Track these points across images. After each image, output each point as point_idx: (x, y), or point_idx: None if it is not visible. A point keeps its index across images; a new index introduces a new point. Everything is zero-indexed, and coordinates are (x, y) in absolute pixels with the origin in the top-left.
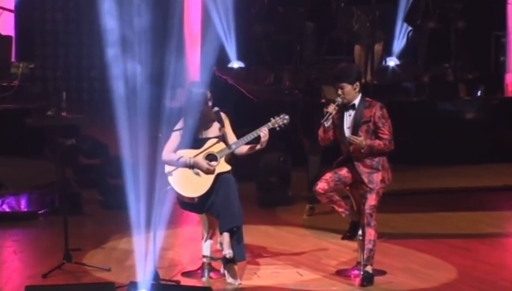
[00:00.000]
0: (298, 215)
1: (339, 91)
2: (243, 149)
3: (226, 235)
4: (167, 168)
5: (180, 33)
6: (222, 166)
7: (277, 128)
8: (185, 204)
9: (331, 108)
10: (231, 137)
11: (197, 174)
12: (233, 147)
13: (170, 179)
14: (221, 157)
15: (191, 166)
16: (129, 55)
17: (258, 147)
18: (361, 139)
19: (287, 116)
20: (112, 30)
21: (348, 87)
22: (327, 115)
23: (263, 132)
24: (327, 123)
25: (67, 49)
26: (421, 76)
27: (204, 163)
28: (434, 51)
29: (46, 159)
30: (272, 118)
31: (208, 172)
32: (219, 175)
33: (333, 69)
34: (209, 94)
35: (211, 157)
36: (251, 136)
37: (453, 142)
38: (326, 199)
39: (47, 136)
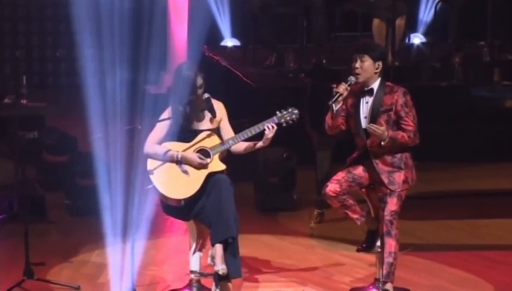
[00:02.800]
0: (304, 222)
1: (357, 64)
2: (241, 146)
3: (218, 247)
4: (150, 164)
5: (163, 5)
6: (215, 165)
7: (284, 124)
8: (170, 208)
9: (342, 88)
10: (227, 131)
11: (185, 172)
12: (230, 142)
13: (152, 177)
14: (214, 154)
15: (179, 161)
16: (102, 31)
17: (260, 144)
18: (383, 129)
19: (296, 111)
20: (81, 1)
21: (369, 61)
22: (336, 96)
23: (269, 127)
24: (336, 106)
25: (27, 25)
26: (451, 57)
27: (195, 157)
28: (467, 27)
29: (3, 156)
30: (278, 112)
31: (200, 167)
32: (211, 175)
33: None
34: (200, 80)
35: (202, 153)
36: (252, 131)
37: (489, 135)
38: (338, 203)
39: (4, 128)
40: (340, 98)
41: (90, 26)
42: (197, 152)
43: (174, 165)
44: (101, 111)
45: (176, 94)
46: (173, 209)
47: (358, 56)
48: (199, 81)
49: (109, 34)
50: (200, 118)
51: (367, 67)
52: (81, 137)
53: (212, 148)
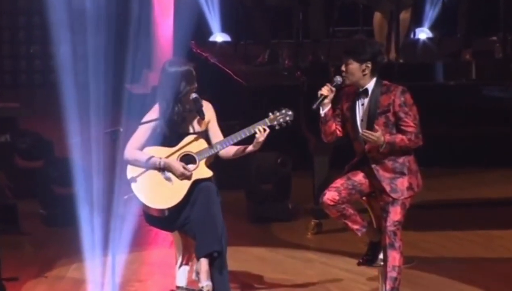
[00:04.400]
0: (300, 234)
1: (343, 67)
2: (230, 150)
3: (203, 262)
4: (131, 171)
5: None
6: (202, 171)
7: (277, 127)
8: (152, 218)
9: (326, 90)
10: (216, 134)
11: (168, 179)
12: (218, 147)
13: (132, 185)
14: (201, 159)
15: (162, 169)
16: (80, 25)
17: (250, 148)
18: (378, 135)
19: (290, 112)
20: None
21: (353, 64)
22: (320, 99)
23: (260, 130)
24: (323, 110)
25: None
26: (460, 53)
27: (178, 166)
28: (478, 20)
29: None
30: (271, 114)
31: (183, 177)
32: (197, 183)
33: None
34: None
35: (188, 159)
36: (242, 134)
37: (502, 139)
38: (337, 212)
39: None
40: (326, 100)
41: (66, 20)
42: (183, 157)
43: (156, 171)
44: (79, 113)
45: (162, 94)
46: (156, 219)
47: (343, 59)
48: (192, 75)
49: (87, 28)
50: (187, 121)
51: (352, 71)
52: (57, 141)
53: (199, 153)
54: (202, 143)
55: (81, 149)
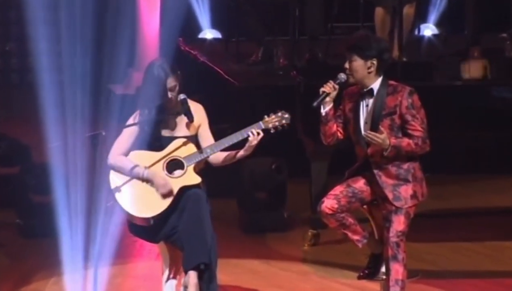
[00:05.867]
0: (296, 245)
1: (346, 64)
2: (220, 155)
3: (192, 275)
4: (114, 177)
5: None
6: (190, 177)
7: (272, 131)
8: (137, 228)
9: (328, 87)
10: (207, 138)
11: (153, 184)
12: (208, 151)
13: (116, 192)
14: (189, 165)
15: (145, 180)
16: (60, 21)
17: (241, 153)
18: (383, 137)
19: (287, 115)
20: None
21: (358, 62)
22: (321, 96)
23: (254, 134)
24: (324, 108)
25: None
26: (468, 51)
27: (160, 180)
28: (486, 16)
29: None
30: (266, 116)
31: (164, 193)
32: (185, 190)
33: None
34: (173, 82)
35: (175, 164)
36: (234, 138)
37: None
38: (336, 222)
39: None
40: (328, 98)
41: (45, 15)
42: (169, 162)
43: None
44: (58, 115)
45: (145, 96)
46: (140, 229)
47: (347, 55)
48: (171, 82)
49: (68, 24)
50: (174, 124)
51: (356, 68)
52: (35, 145)
53: (187, 158)
54: (191, 148)
55: (60, 154)
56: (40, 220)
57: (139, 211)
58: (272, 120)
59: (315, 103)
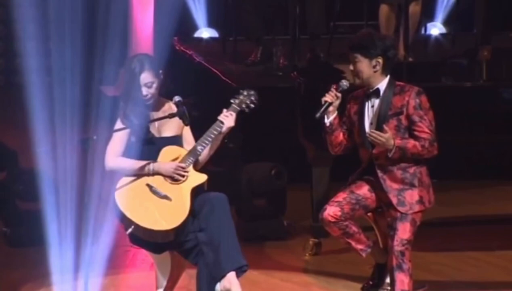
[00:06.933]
0: (297, 254)
1: (351, 66)
2: (205, 151)
3: (231, 276)
4: (121, 199)
5: None
6: (195, 177)
7: (246, 110)
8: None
9: (330, 96)
10: (190, 140)
11: (165, 197)
12: (199, 148)
13: (128, 213)
14: (188, 165)
15: (155, 173)
16: (48, 19)
17: (219, 139)
18: (387, 137)
19: (252, 91)
20: None
21: (362, 62)
22: (324, 107)
23: (228, 117)
24: (328, 118)
25: None
26: (477, 51)
27: (169, 167)
28: (497, 14)
29: None
30: (233, 99)
31: (177, 172)
32: (196, 191)
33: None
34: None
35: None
36: (214, 131)
37: None
38: (339, 230)
39: None
40: (331, 108)
41: (33, 13)
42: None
43: (144, 190)
44: (47, 119)
45: (124, 91)
46: (151, 243)
47: (350, 56)
48: (147, 78)
49: (57, 22)
50: (163, 123)
51: (361, 68)
52: (22, 150)
53: (183, 161)
54: (181, 151)
55: (49, 159)
56: (28, 228)
57: (160, 224)
58: (242, 101)
59: (318, 115)
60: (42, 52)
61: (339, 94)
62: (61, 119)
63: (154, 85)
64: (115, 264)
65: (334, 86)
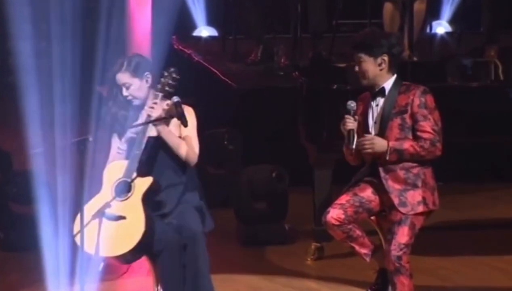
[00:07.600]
0: (299, 259)
1: (356, 67)
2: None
3: None
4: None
5: None
6: (140, 183)
7: (171, 90)
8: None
9: (350, 124)
10: (186, 138)
11: (109, 218)
12: (136, 152)
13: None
14: (131, 178)
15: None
16: (44, 18)
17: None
18: (369, 138)
19: (172, 69)
20: None
21: (367, 61)
22: (350, 135)
23: (153, 108)
24: (353, 144)
25: None
26: (484, 51)
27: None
28: (504, 13)
29: None
30: (158, 85)
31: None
32: (149, 195)
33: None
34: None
35: (123, 186)
36: (145, 127)
37: None
38: (342, 234)
39: None
40: (354, 134)
41: (28, 12)
42: (117, 187)
43: (101, 221)
44: (41, 120)
45: (109, 96)
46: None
47: (354, 56)
48: (122, 78)
49: (53, 21)
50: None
51: (366, 68)
52: (16, 152)
53: (126, 174)
54: (122, 164)
55: (44, 161)
56: (22, 232)
57: (121, 247)
58: (165, 84)
59: (353, 146)
60: (36, 51)
61: (356, 117)
62: (56, 120)
63: (133, 87)
64: (111, 269)
65: (346, 116)
